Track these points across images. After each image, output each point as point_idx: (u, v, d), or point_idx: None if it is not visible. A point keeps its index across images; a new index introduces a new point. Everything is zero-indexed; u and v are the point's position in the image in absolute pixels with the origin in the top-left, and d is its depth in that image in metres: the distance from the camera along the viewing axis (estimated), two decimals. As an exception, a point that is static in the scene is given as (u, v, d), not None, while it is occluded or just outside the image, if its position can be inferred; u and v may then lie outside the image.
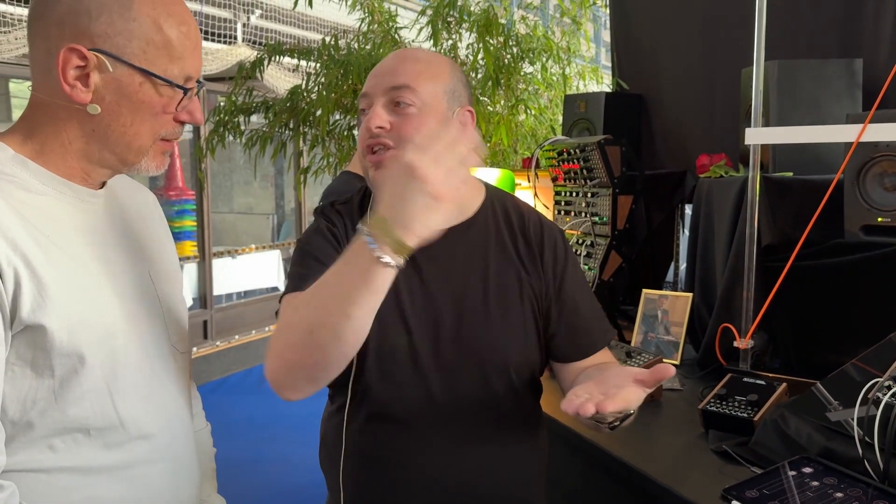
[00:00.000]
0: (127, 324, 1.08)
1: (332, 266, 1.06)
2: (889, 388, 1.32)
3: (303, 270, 1.28)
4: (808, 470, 1.36)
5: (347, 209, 1.39)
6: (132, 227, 1.19)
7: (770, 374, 1.80)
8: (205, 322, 6.79)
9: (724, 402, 1.65)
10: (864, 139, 1.73)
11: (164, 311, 1.17)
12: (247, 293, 7.43)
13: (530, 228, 1.38)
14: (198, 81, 1.10)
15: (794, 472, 1.36)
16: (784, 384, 1.67)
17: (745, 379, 1.72)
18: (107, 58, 1.01)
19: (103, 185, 1.14)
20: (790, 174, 2.10)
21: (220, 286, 7.00)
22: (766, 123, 2.09)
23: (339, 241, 1.33)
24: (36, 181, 1.03)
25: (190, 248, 6.68)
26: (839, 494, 1.27)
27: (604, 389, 1.07)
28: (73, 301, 1.01)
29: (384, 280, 1.01)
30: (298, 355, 1.11)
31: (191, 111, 1.10)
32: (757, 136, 1.95)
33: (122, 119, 1.05)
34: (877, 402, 1.31)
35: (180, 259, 6.57)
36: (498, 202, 1.40)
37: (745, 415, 1.60)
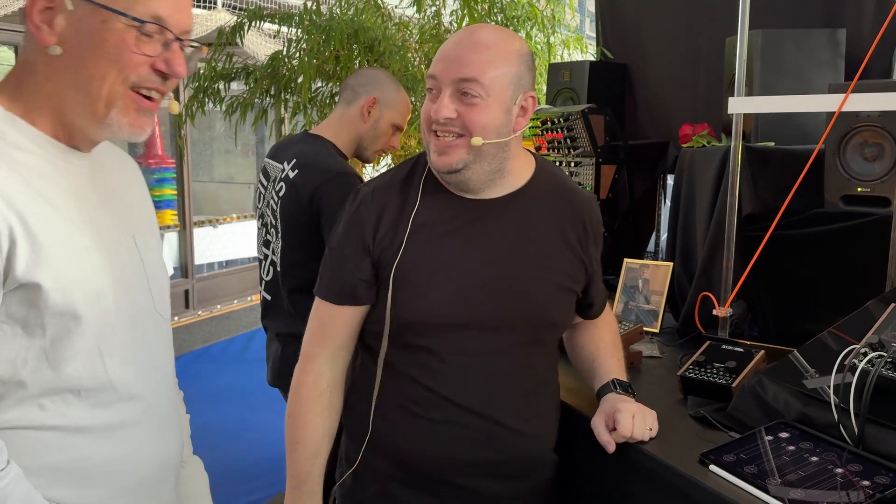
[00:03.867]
0: (116, 287, 1.08)
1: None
2: (865, 355, 1.34)
3: (327, 273, 1.48)
4: (784, 435, 1.38)
5: (384, 193, 1.47)
6: (117, 193, 1.18)
7: (748, 342, 1.82)
8: (186, 291, 6.75)
9: (702, 369, 1.67)
10: (845, 109, 1.74)
11: (148, 277, 1.17)
12: (228, 262, 7.39)
13: (577, 202, 1.53)
14: (179, 38, 1.06)
15: (770, 437, 1.38)
16: (762, 351, 1.69)
17: (724, 346, 1.74)
18: None
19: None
20: (772, 144, 2.11)
21: (202, 255, 6.96)
22: (750, 93, 2.09)
23: (365, 234, 1.44)
24: (25, 140, 1.02)
25: (170, 216, 6.61)
26: (815, 458, 1.29)
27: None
28: (67, 261, 1.01)
29: None
30: None
31: (168, 60, 1.05)
32: (740, 105, 1.95)
33: (86, 61, 1.02)
34: (853, 368, 1.33)
35: (161, 228, 6.53)
36: (547, 175, 1.53)
37: (724, 381, 1.62)
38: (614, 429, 1.43)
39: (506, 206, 1.45)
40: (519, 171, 1.47)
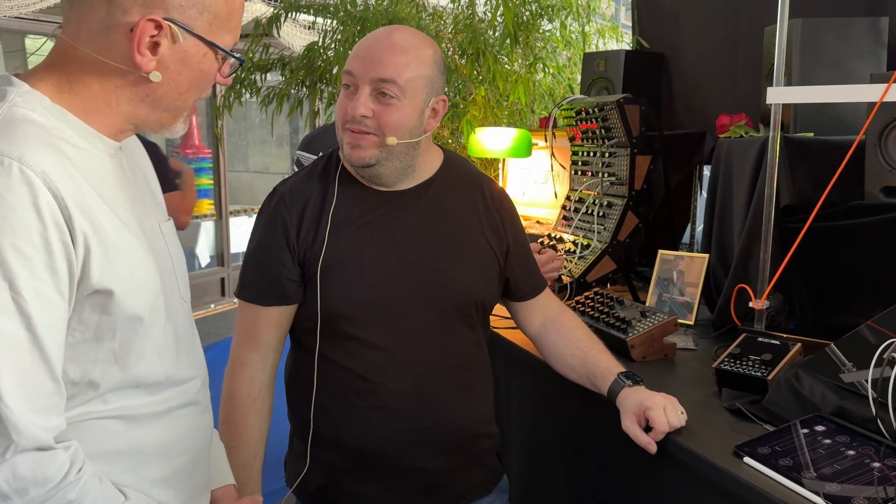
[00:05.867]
0: (159, 280, 1.09)
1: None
2: (904, 348, 1.33)
3: (251, 275, 1.51)
4: (820, 428, 1.38)
5: (302, 191, 1.52)
6: (143, 180, 1.19)
7: (784, 335, 1.80)
8: (222, 279, 6.86)
9: (737, 362, 1.66)
10: (887, 99, 1.70)
11: (174, 263, 1.18)
12: (263, 251, 7.48)
13: (484, 187, 1.62)
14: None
15: (806, 430, 1.38)
16: (798, 344, 1.68)
17: (760, 339, 1.73)
18: (180, 29, 1.01)
19: None
20: (811, 134, 2.08)
21: (238, 244, 7.06)
22: (789, 83, 2.06)
23: (289, 232, 1.48)
24: (74, 134, 1.01)
25: (207, 206, 6.71)
26: (851, 452, 1.29)
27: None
28: (129, 262, 1.02)
29: None
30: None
31: (222, 73, 1.11)
32: (778, 95, 1.93)
33: (179, 86, 1.05)
34: (892, 362, 1.32)
35: (198, 217, 6.63)
36: (455, 164, 1.62)
37: (759, 374, 1.61)
38: (647, 426, 1.43)
39: (418, 195, 1.53)
40: (429, 164, 1.56)
